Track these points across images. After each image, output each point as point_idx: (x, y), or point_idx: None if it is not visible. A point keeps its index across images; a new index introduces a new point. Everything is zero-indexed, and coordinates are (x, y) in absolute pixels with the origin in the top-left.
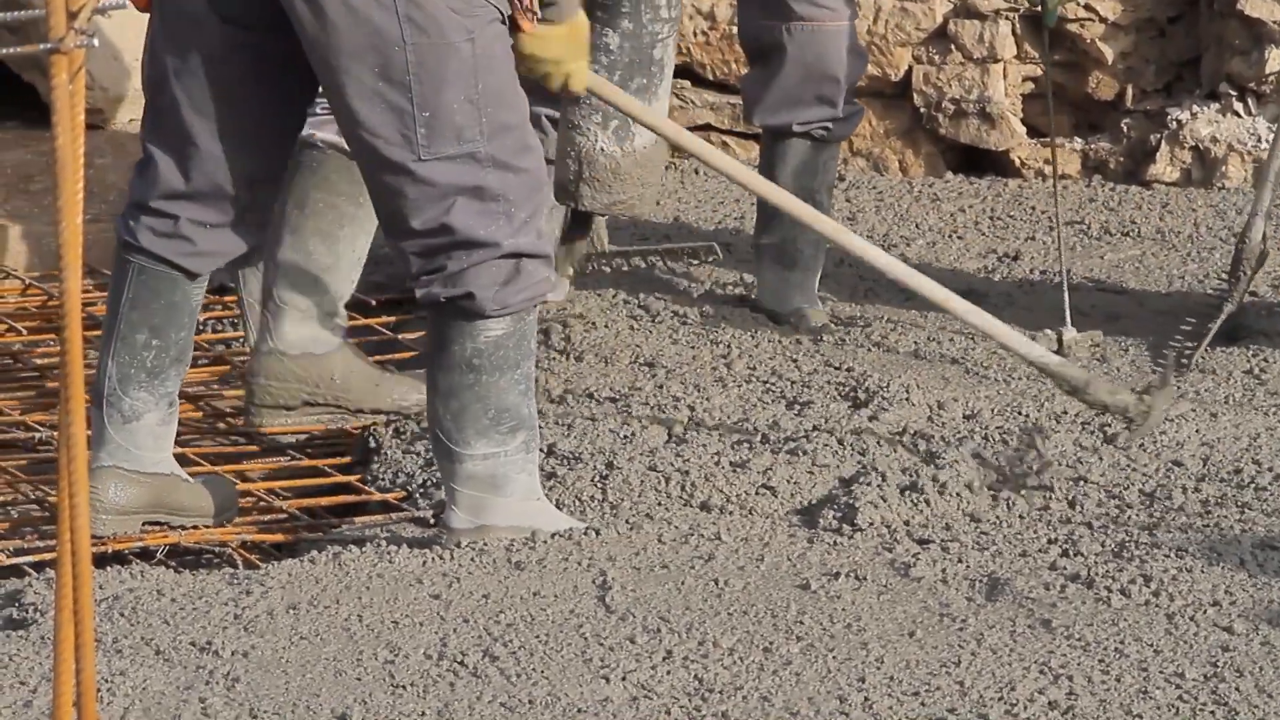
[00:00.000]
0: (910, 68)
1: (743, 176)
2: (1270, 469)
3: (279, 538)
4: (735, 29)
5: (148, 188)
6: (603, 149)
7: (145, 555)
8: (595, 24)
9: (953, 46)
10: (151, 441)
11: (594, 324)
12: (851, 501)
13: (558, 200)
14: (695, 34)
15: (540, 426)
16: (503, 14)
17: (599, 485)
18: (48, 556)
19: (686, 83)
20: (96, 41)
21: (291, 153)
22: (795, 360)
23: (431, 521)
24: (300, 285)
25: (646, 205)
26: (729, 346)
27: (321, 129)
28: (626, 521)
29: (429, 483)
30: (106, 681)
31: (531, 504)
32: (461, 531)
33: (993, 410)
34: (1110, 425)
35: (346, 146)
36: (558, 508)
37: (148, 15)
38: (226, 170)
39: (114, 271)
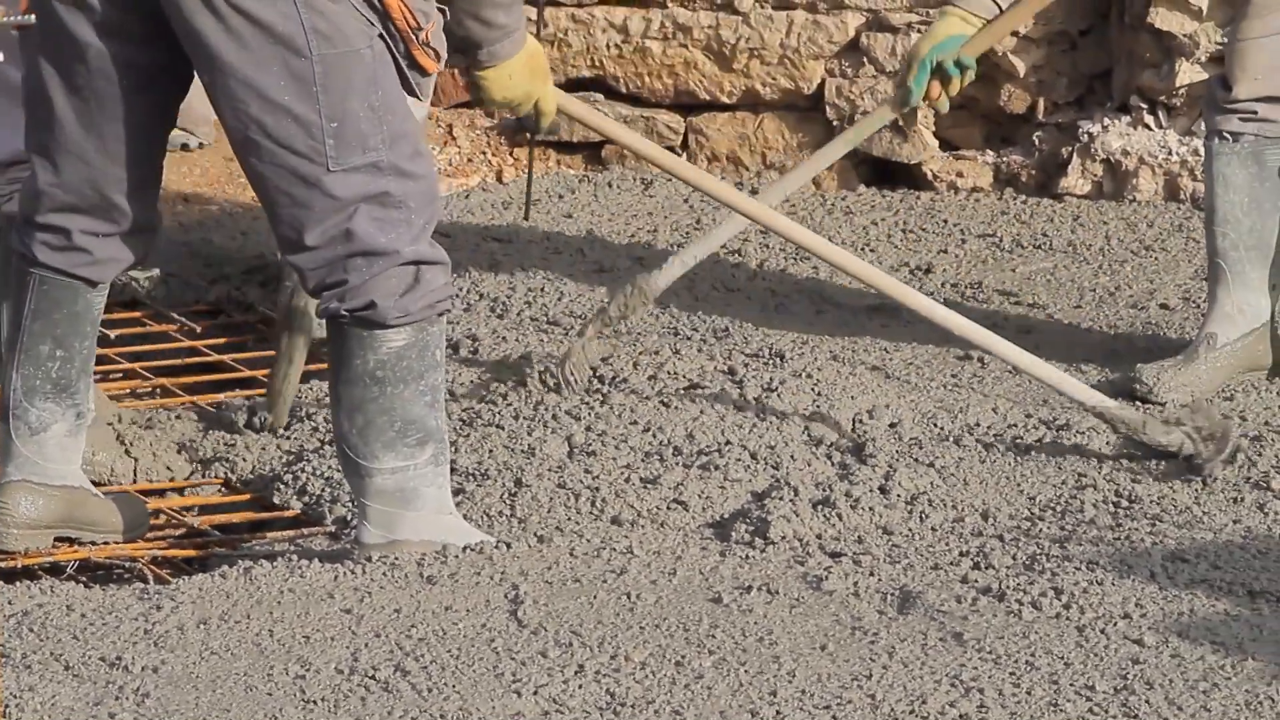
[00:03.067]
0: (823, 81)
1: (715, 189)
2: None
3: (190, 553)
4: (646, 43)
5: (37, 203)
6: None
7: (55, 570)
8: None
9: (865, 59)
10: (60, 453)
11: (504, 338)
12: (764, 515)
13: None
14: (608, 47)
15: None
16: (386, 33)
17: (508, 501)
18: None
19: (600, 96)
20: (2, 56)
21: (164, 156)
22: (707, 374)
23: (342, 536)
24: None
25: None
26: (641, 356)
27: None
28: (537, 535)
29: (337, 498)
30: (15, 697)
31: (444, 518)
32: (373, 546)
33: (914, 419)
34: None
35: None
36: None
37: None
38: (110, 180)
39: (14, 284)
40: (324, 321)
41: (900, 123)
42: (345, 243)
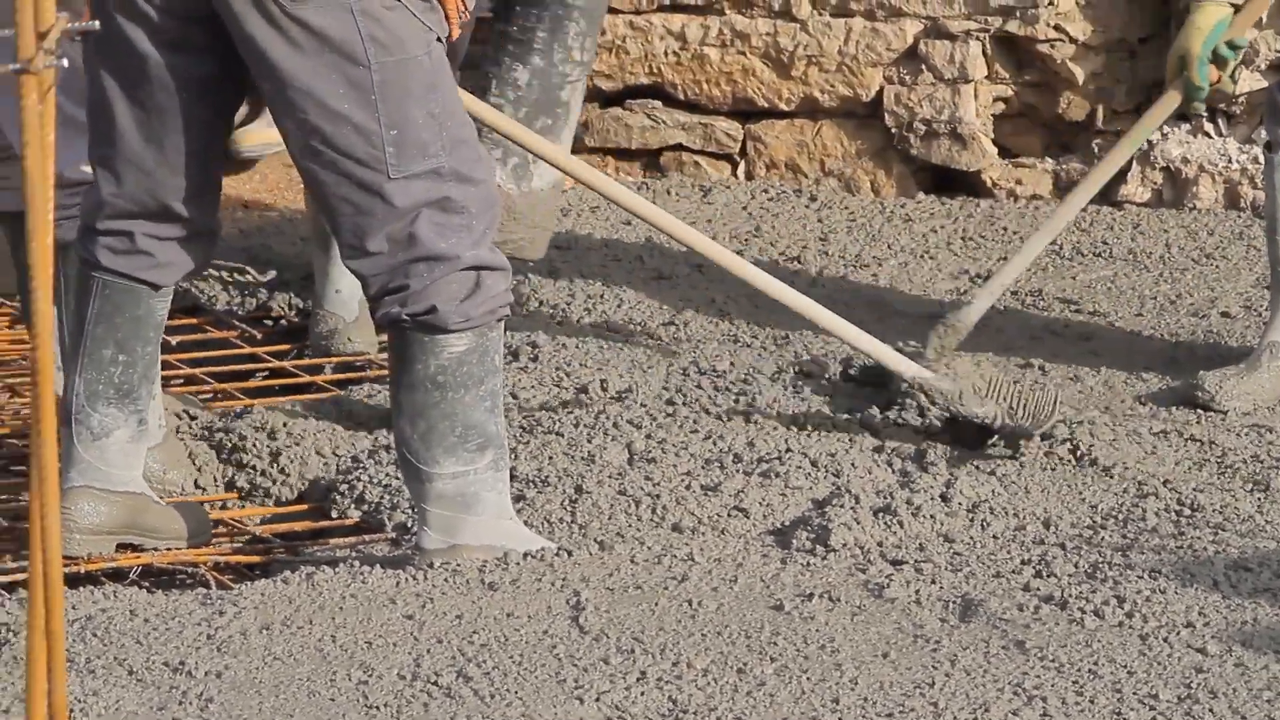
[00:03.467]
0: (881, 88)
1: (645, 210)
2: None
3: (252, 559)
4: (704, 50)
5: (99, 209)
6: (498, 186)
7: (118, 576)
8: (506, 58)
9: (924, 67)
10: (122, 459)
11: (563, 344)
12: (825, 523)
13: None
14: (666, 54)
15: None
16: (440, 35)
17: (568, 508)
18: (20, 577)
19: (658, 103)
20: (66, 62)
21: (224, 161)
22: (766, 381)
23: (402, 543)
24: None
25: (538, 248)
26: (698, 365)
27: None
28: (598, 542)
29: (397, 505)
30: (80, 702)
31: (504, 523)
32: (434, 552)
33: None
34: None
35: None
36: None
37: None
38: (170, 188)
39: (77, 289)
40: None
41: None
42: (407, 248)
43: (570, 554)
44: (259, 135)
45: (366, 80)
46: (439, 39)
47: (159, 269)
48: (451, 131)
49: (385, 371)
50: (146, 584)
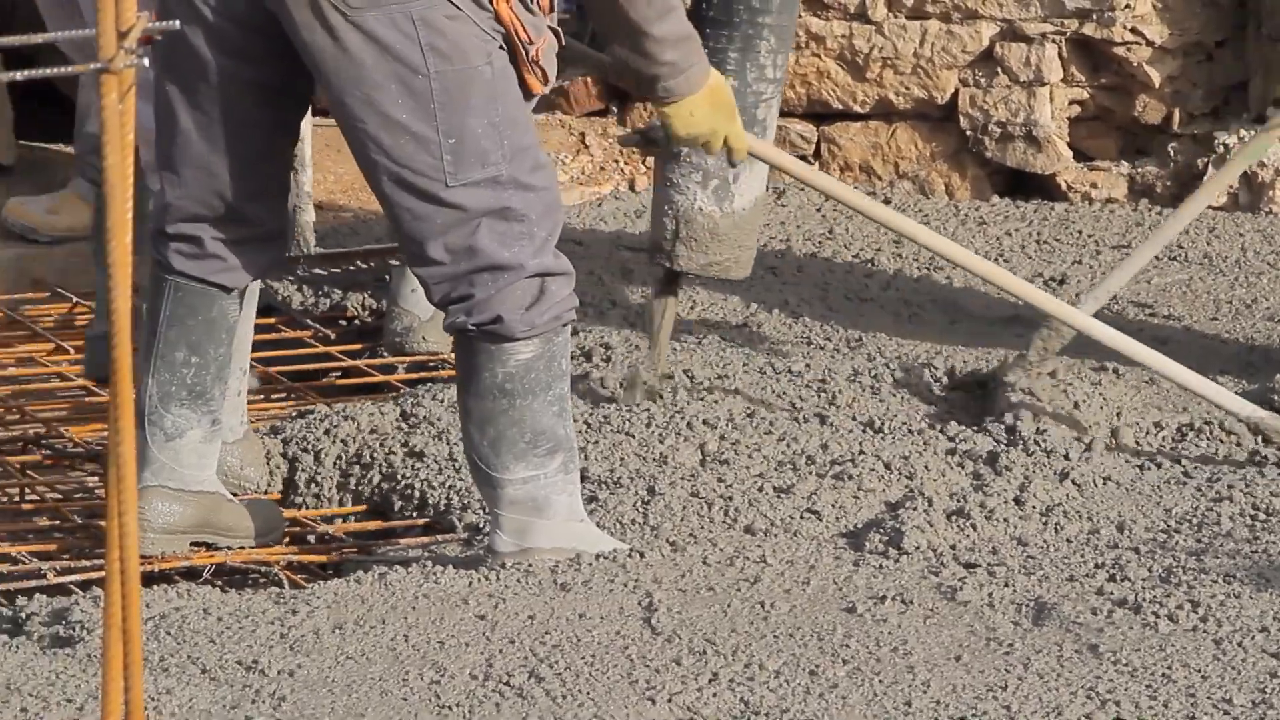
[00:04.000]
0: (956, 90)
1: (931, 240)
2: None
3: (324, 558)
4: None
5: (168, 214)
6: (701, 208)
7: (191, 574)
8: None
9: (999, 69)
10: (195, 459)
11: (636, 345)
12: (898, 525)
13: (650, 259)
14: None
15: (582, 450)
16: (505, 45)
17: (640, 509)
18: (94, 575)
19: None
20: (146, 62)
21: (292, 163)
22: (839, 383)
23: (474, 543)
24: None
25: (743, 267)
26: (773, 366)
27: None
28: (670, 543)
29: (468, 505)
30: (153, 700)
31: (575, 525)
32: (506, 555)
33: (1049, 429)
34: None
35: None
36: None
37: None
38: (237, 191)
39: (151, 291)
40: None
41: None
42: (469, 258)
43: (642, 555)
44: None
45: (425, 89)
46: (502, 48)
47: (230, 272)
48: (512, 140)
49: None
50: (220, 583)
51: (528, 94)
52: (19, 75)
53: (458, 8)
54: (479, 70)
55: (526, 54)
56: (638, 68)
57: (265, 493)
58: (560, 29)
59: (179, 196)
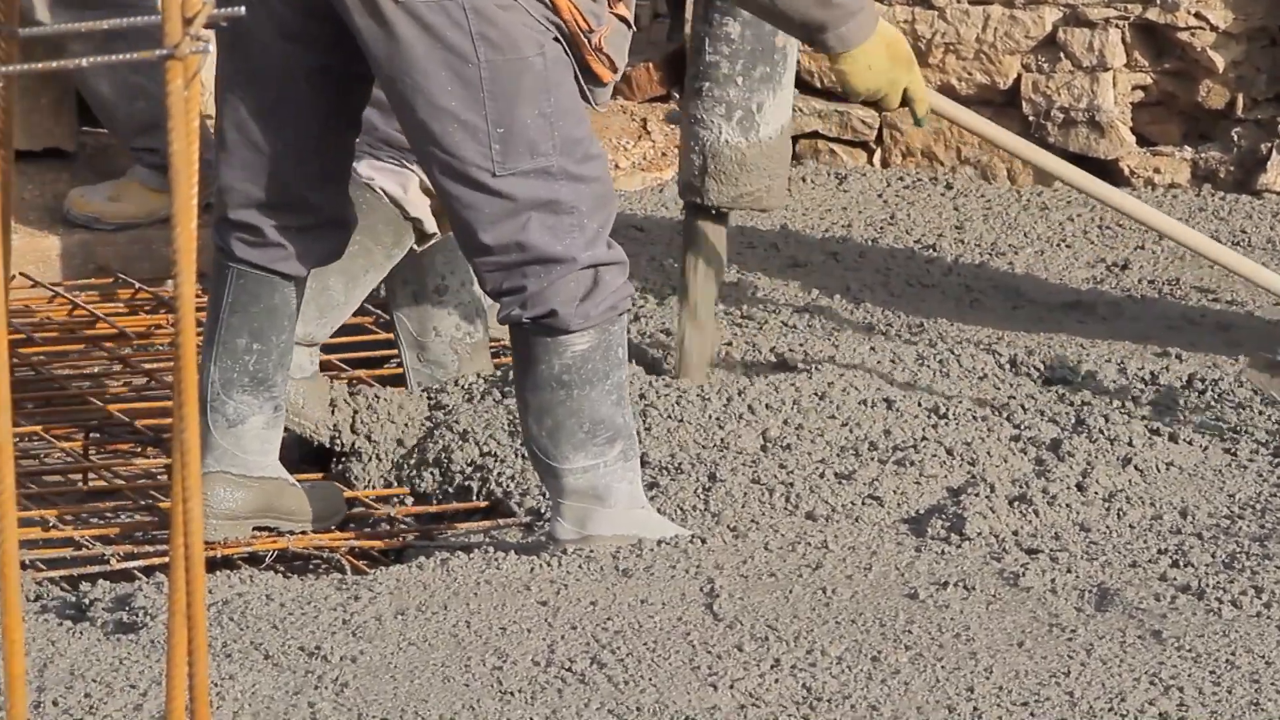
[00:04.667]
0: (1019, 76)
1: (1116, 199)
2: None
3: (386, 543)
4: None
5: (229, 201)
6: (727, 141)
7: (253, 560)
8: (716, 14)
9: (1062, 55)
10: (258, 445)
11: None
12: (960, 511)
13: (682, 198)
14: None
15: (639, 435)
16: (562, 36)
17: (701, 496)
18: (158, 561)
19: (795, 90)
20: (212, 48)
21: (354, 151)
22: (902, 369)
23: (534, 528)
24: (304, 316)
25: (776, 197)
26: (835, 352)
27: (380, 175)
28: (731, 530)
29: (527, 490)
30: (216, 686)
31: (636, 512)
32: (567, 543)
33: (1112, 415)
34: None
35: (401, 198)
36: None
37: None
38: (299, 178)
39: (213, 277)
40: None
41: None
42: (519, 251)
43: (704, 541)
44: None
45: (475, 78)
46: (557, 39)
47: (292, 259)
48: (564, 131)
49: None
50: (282, 568)
51: (597, 81)
52: (85, 61)
53: None
54: (530, 61)
55: (589, 42)
56: (809, 16)
57: (322, 432)
58: (632, 16)
59: (241, 181)
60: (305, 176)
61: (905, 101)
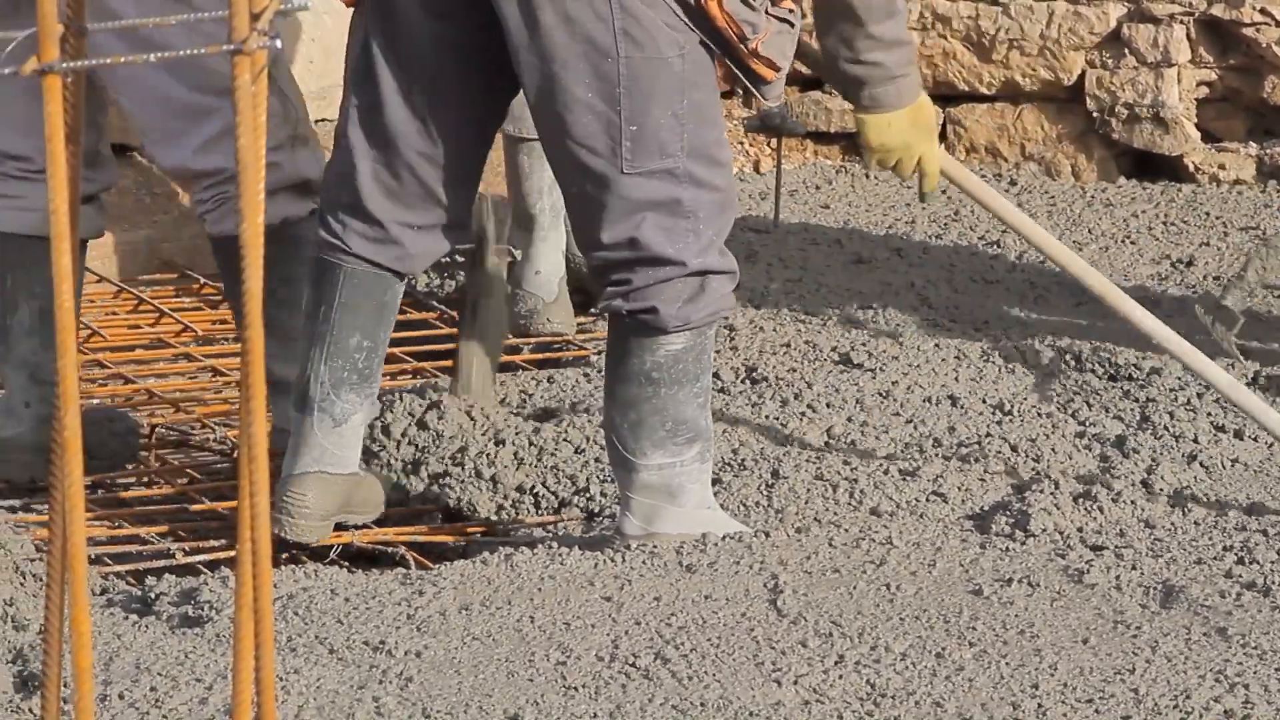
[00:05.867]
0: (1083, 72)
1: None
2: None
3: (450, 538)
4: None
5: (352, 191)
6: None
7: (316, 555)
8: None
9: (1126, 50)
10: (354, 441)
11: (761, 328)
12: (1024, 508)
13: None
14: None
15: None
16: (716, 43)
17: (765, 492)
18: (222, 555)
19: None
20: (280, 43)
21: (486, 157)
22: (965, 365)
23: (595, 524)
24: (289, 360)
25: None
26: (900, 348)
27: (231, 221)
28: (795, 526)
29: (586, 487)
30: (281, 680)
31: (703, 512)
32: (633, 538)
33: (1176, 412)
34: None
35: (269, 221)
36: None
37: (351, 10)
38: (431, 170)
39: (316, 274)
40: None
41: None
42: (632, 248)
43: (768, 535)
44: None
45: (613, 73)
46: (703, 41)
47: (409, 259)
48: (694, 134)
49: (582, 353)
50: (345, 563)
51: (760, 80)
52: (153, 56)
53: None
54: (669, 61)
55: (746, 48)
56: (846, 67)
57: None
58: (798, 13)
59: (374, 166)
60: (439, 171)
61: (918, 170)
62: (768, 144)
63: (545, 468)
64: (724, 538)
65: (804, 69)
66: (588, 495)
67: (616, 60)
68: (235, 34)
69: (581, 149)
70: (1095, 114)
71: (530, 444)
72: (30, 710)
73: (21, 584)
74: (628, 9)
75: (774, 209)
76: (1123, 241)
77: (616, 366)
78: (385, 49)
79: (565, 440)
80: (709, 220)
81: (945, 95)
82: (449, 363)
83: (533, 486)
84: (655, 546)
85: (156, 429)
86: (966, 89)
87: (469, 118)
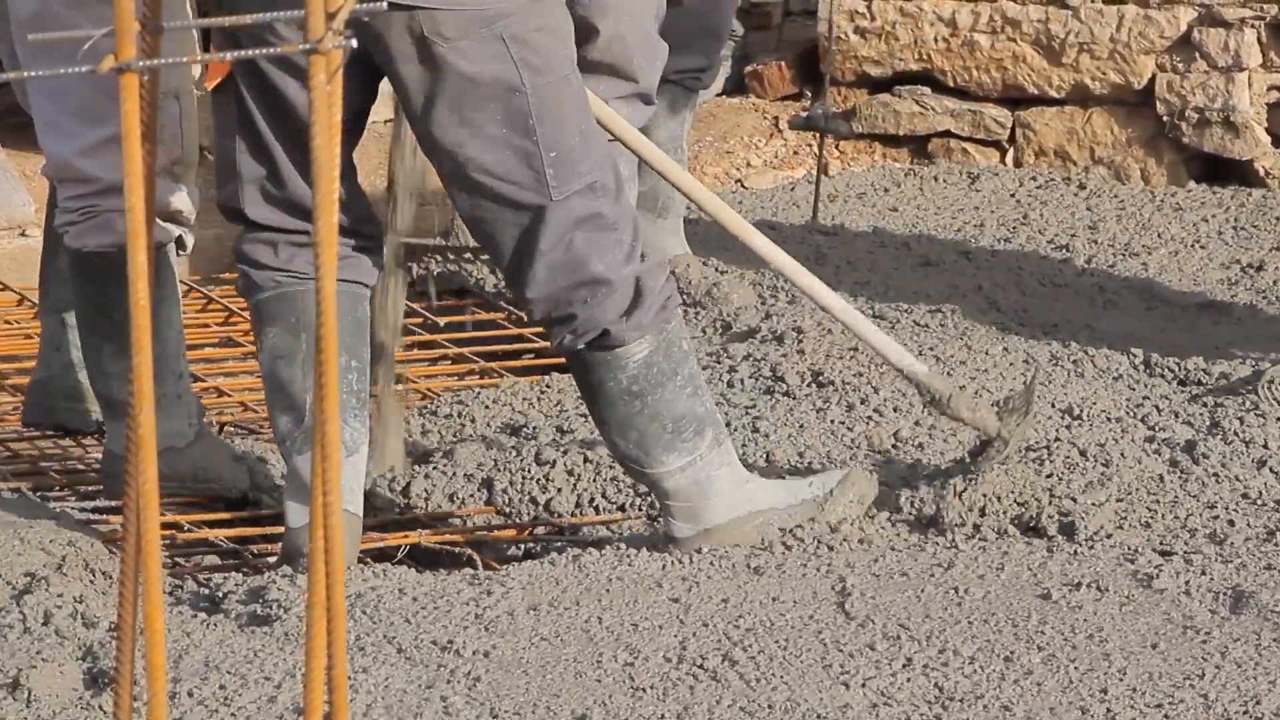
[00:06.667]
0: (1154, 76)
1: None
2: None
3: (515, 535)
4: (975, 36)
5: (290, 217)
6: None
7: (383, 557)
8: None
9: (1197, 55)
10: (361, 477)
11: (829, 330)
12: (1093, 512)
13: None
14: (936, 40)
15: (768, 434)
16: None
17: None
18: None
19: (927, 89)
20: (355, 43)
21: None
22: (1035, 369)
23: (659, 524)
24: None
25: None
26: (969, 349)
27: (91, 237)
28: (861, 528)
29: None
30: (350, 679)
31: (743, 490)
32: (686, 540)
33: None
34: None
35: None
36: None
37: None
38: (359, 195)
39: (272, 311)
40: None
41: None
42: (568, 273)
43: (834, 529)
44: None
45: (524, 106)
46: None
47: (368, 269)
48: (596, 145)
49: None
50: (412, 564)
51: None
52: (229, 55)
53: (543, 20)
54: (569, 80)
55: None
56: None
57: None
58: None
59: (284, 206)
60: (358, 193)
61: None
62: (835, 145)
63: (605, 479)
64: (787, 535)
65: (872, 73)
66: (650, 499)
67: (524, 93)
68: (311, 33)
69: (508, 184)
70: (1165, 118)
71: (587, 460)
72: (100, 707)
73: (91, 581)
74: (520, 38)
75: (812, 207)
76: (1192, 246)
77: (597, 396)
78: (264, 112)
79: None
80: (626, 227)
81: (1015, 98)
82: (517, 362)
83: (592, 499)
84: (724, 550)
85: (225, 427)
86: (1036, 92)
87: (346, 159)
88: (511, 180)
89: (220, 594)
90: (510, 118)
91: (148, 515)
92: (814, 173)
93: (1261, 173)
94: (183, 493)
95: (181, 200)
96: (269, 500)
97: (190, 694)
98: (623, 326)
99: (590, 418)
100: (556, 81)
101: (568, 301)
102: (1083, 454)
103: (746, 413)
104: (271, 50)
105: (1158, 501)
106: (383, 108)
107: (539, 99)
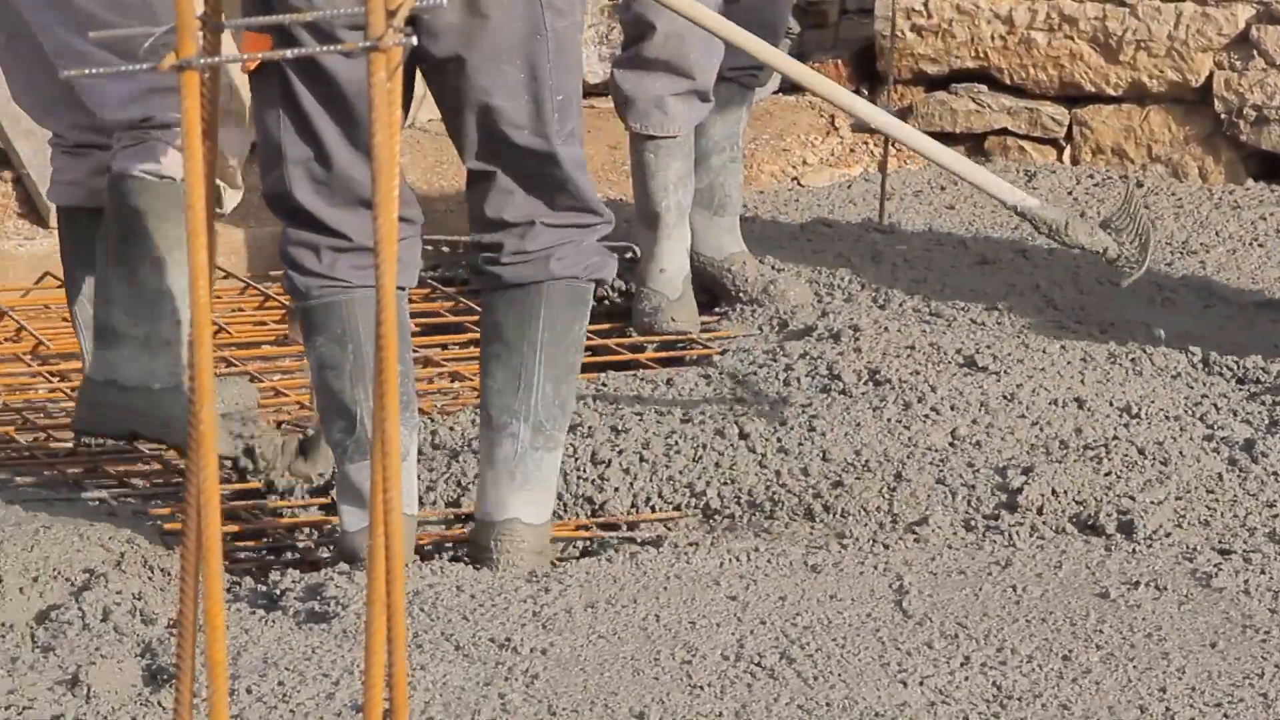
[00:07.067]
0: (1211, 74)
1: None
2: None
3: (576, 533)
4: (1031, 34)
5: (310, 227)
6: None
7: (437, 552)
8: None
9: (1255, 52)
10: (414, 479)
11: (885, 328)
12: (1152, 511)
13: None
14: (993, 38)
15: (824, 433)
16: None
17: (886, 495)
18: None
19: (984, 87)
20: (415, 40)
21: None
22: (1093, 368)
23: (713, 522)
24: (136, 314)
25: None
26: (1027, 347)
27: (134, 160)
28: (917, 527)
29: (693, 485)
30: (408, 676)
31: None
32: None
33: None
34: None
35: (166, 172)
36: (842, 516)
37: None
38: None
39: (318, 320)
40: None
41: None
42: (573, 213)
43: (890, 524)
44: None
45: (544, 49)
46: None
47: (407, 269)
48: (578, 93)
49: (706, 352)
50: (469, 560)
51: None
52: (290, 53)
53: None
54: (580, 24)
55: None
56: None
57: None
58: None
59: (345, 203)
60: (405, 193)
61: None
62: (892, 144)
63: (661, 479)
64: (848, 539)
65: (929, 70)
66: (705, 498)
67: (545, 35)
68: (371, 31)
69: (518, 130)
70: (1223, 115)
71: (642, 459)
72: (159, 703)
73: (150, 578)
74: None
75: (879, 208)
76: (1250, 244)
77: (564, 338)
78: (315, 94)
79: (677, 452)
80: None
81: (1072, 96)
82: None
83: (648, 499)
84: (782, 549)
85: (283, 425)
86: (1093, 90)
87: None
88: (521, 125)
89: (278, 591)
90: (530, 62)
91: (208, 511)
92: (870, 170)
93: None
94: (146, 434)
95: (226, 139)
96: (262, 467)
97: (249, 690)
98: (607, 260)
99: (522, 373)
100: (571, 25)
101: (571, 233)
102: (1141, 452)
103: (803, 411)
104: (335, 48)
105: (1216, 500)
106: (428, 109)
107: (557, 42)
